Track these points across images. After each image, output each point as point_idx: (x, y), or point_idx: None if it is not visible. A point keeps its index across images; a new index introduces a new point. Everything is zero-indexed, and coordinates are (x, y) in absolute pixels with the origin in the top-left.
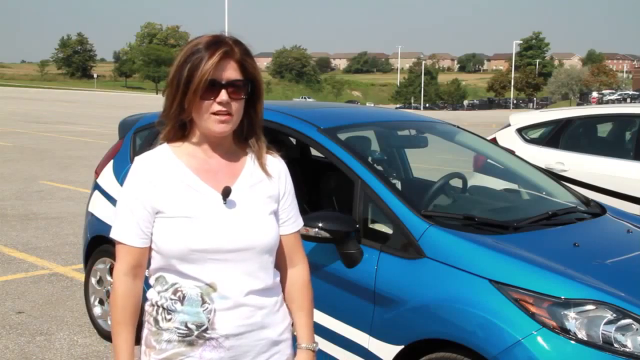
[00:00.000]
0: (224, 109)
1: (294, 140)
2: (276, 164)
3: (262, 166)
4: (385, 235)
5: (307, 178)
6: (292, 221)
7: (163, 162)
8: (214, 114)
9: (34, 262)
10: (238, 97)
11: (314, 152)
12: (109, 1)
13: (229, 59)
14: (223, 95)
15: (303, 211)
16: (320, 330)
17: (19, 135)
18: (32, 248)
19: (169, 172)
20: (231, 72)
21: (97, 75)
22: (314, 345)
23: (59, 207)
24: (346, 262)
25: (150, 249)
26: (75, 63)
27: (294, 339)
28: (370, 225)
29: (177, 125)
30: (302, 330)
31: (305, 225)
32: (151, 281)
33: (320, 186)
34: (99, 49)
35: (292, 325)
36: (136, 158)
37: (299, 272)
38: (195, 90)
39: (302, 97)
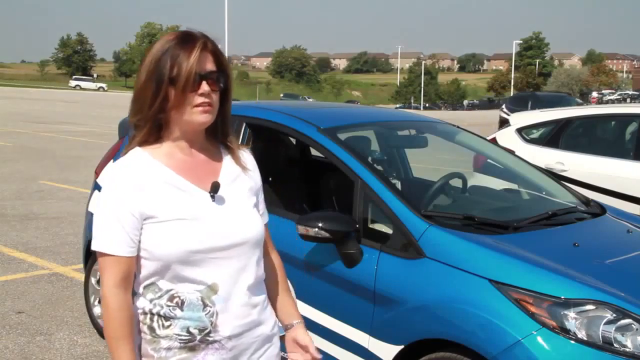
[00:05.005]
0: (206, 100)
1: (294, 140)
2: (249, 157)
3: (238, 160)
4: (385, 235)
5: (307, 178)
6: (264, 212)
7: (143, 165)
8: (196, 106)
9: (34, 262)
10: (216, 88)
11: (314, 152)
12: (109, 1)
13: (205, 51)
14: (205, 86)
15: (303, 211)
16: (320, 330)
17: (19, 135)
18: (32, 248)
19: (152, 175)
20: (209, 64)
21: (97, 75)
22: (301, 319)
23: (59, 207)
24: (346, 262)
25: (138, 257)
26: (75, 63)
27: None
28: (370, 225)
29: (155, 126)
30: (291, 309)
31: (305, 225)
32: (139, 290)
33: (320, 186)
34: (99, 49)
35: (276, 309)
36: (112, 165)
37: (275, 258)
38: (185, 86)
39: (301, 97)
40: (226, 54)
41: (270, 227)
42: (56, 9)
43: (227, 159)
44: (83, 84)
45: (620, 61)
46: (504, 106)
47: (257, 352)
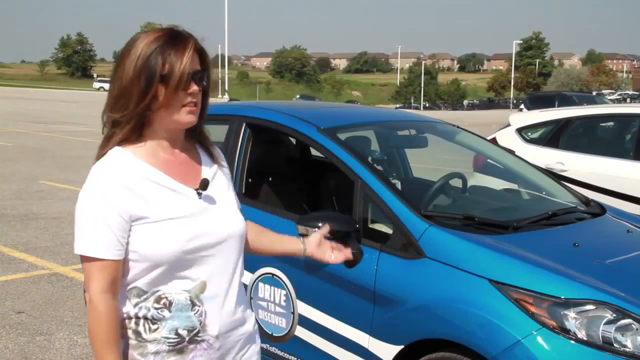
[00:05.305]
0: (194, 99)
1: (294, 140)
2: (221, 154)
3: (213, 157)
4: (385, 235)
5: (307, 178)
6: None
7: (127, 165)
8: (185, 105)
9: (34, 262)
10: (202, 87)
11: (314, 152)
12: (109, 1)
13: (195, 50)
14: (194, 86)
15: (303, 211)
16: (320, 330)
17: (19, 135)
18: (32, 248)
19: (138, 174)
20: (196, 63)
21: (97, 75)
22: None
23: (59, 207)
24: (346, 262)
25: (125, 259)
26: (75, 63)
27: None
28: (370, 225)
29: (138, 124)
30: (290, 238)
31: (305, 225)
32: (123, 293)
33: (320, 186)
34: (99, 49)
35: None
36: (95, 166)
37: (249, 223)
38: (177, 85)
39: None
40: (226, 54)
41: (270, 227)
42: (56, 9)
43: (205, 156)
44: (107, 85)
45: (620, 61)
46: (522, 105)
47: (241, 351)
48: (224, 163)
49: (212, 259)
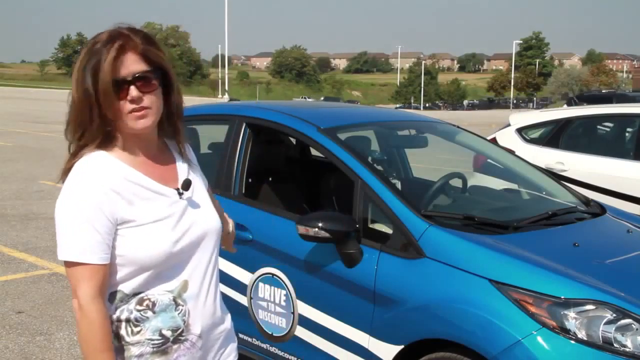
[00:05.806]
0: (137, 105)
1: (294, 140)
2: (191, 151)
3: (184, 155)
4: (385, 235)
5: (307, 178)
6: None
7: (110, 167)
8: (130, 112)
9: (34, 262)
10: (149, 89)
11: (314, 152)
12: (109, 1)
13: (129, 51)
14: (133, 91)
15: (303, 211)
16: (320, 330)
17: (19, 135)
18: (32, 248)
19: (122, 177)
20: (134, 65)
21: None
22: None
23: None
24: (346, 262)
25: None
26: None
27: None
28: (370, 225)
29: (106, 137)
30: (226, 219)
31: (305, 225)
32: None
33: (320, 186)
34: None
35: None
36: (76, 167)
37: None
38: (105, 94)
39: (302, 97)
40: (226, 54)
41: (270, 227)
42: (56, 9)
43: (177, 155)
44: None
45: (620, 61)
46: (565, 106)
47: (221, 349)
48: (195, 161)
49: (192, 256)
